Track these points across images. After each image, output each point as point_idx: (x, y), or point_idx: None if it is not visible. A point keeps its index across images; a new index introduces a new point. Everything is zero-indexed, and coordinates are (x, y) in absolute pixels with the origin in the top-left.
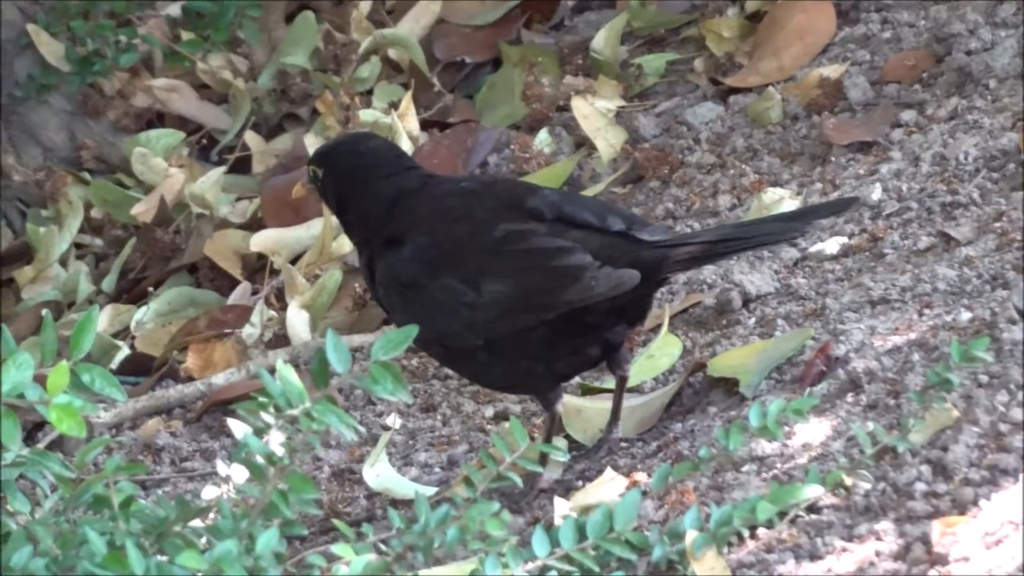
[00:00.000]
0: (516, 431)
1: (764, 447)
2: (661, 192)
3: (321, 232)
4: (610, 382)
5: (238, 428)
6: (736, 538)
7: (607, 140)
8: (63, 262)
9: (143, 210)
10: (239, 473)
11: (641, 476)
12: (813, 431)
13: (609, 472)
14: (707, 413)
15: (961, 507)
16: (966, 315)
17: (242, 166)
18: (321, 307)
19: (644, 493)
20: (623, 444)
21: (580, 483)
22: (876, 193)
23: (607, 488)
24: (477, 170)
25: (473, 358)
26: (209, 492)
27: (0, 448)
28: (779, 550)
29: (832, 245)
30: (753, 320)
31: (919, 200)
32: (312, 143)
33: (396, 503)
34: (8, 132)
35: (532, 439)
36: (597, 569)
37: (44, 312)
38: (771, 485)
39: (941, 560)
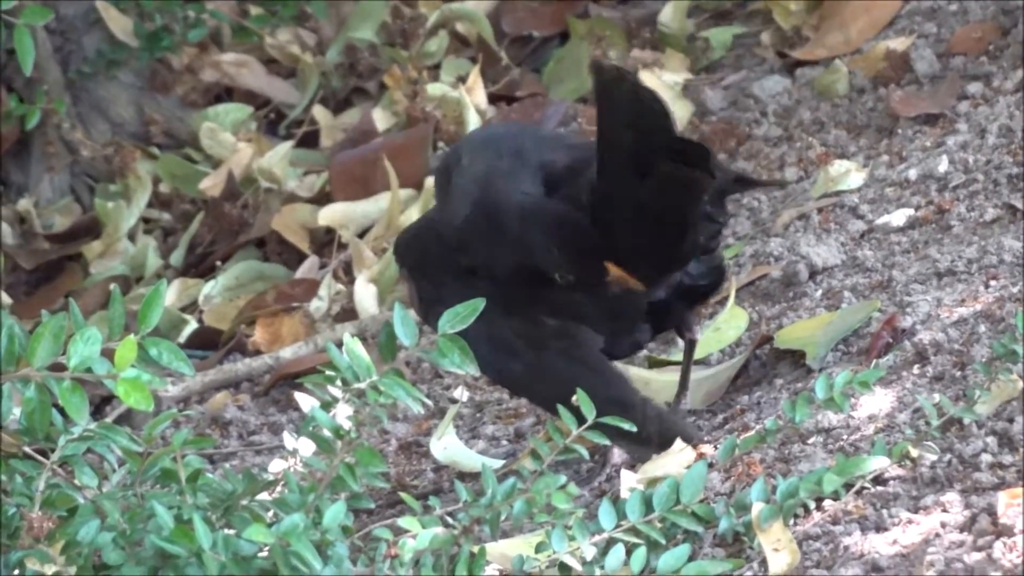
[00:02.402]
0: (583, 403)
1: (830, 419)
2: (728, 165)
3: (389, 206)
4: (676, 355)
5: (305, 402)
6: (802, 510)
7: (674, 113)
8: (131, 237)
9: (211, 184)
10: (306, 446)
11: (707, 448)
12: (879, 403)
13: (676, 444)
14: (774, 385)
15: None
16: None
17: (310, 140)
18: (389, 281)
19: (710, 465)
20: (690, 417)
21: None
22: (943, 165)
23: (674, 460)
24: None
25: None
26: (276, 466)
27: (68, 422)
28: (845, 522)
29: (898, 217)
30: (819, 292)
31: (985, 172)
32: (380, 117)
33: (463, 476)
34: (77, 108)
35: None
36: (664, 541)
37: (112, 286)
38: (837, 457)
39: (1007, 531)
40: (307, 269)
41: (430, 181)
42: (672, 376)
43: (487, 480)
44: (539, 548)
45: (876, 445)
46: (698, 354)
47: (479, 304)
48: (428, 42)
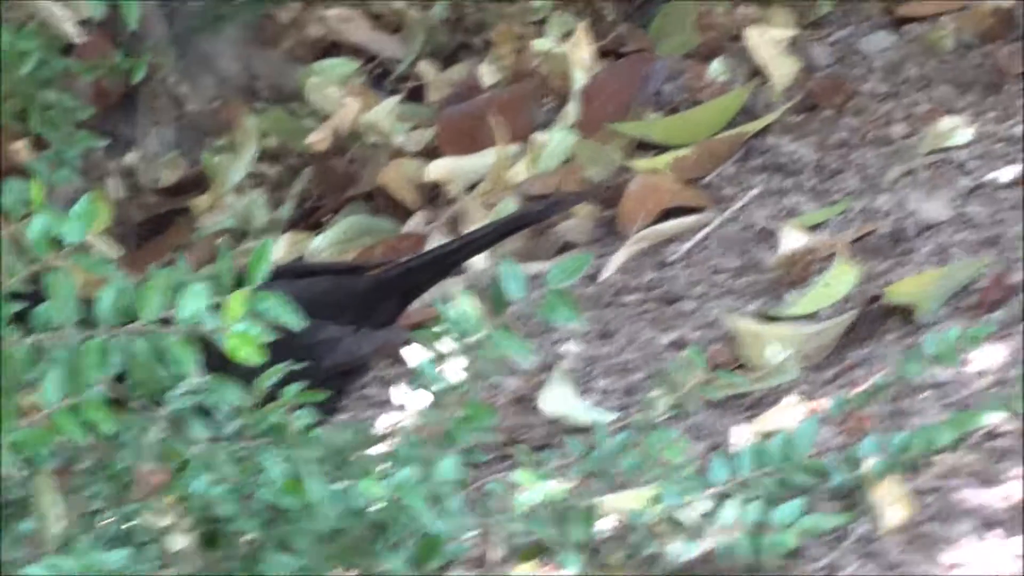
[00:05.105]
0: (695, 358)
1: (942, 374)
2: (835, 121)
3: (496, 161)
4: (791, 308)
5: (414, 356)
6: (915, 464)
7: (780, 69)
8: (239, 191)
9: (318, 139)
10: (416, 401)
11: (819, 403)
12: (990, 358)
13: (788, 398)
14: (883, 341)
15: None
16: None
17: (417, 95)
18: None
19: (822, 420)
20: (801, 370)
21: (758, 410)
22: None
23: (786, 414)
24: (652, 99)
25: None
26: (386, 420)
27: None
28: (958, 476)
29: (1007, 173)
30: (927, 248)
31: None
32: (486, 73)
33: (574, 430)
34: (183, 63)
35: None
36: (778, 495)
37: (220, 241)
38: (949, 411)
39: None
40: (415, 224)
41: (537, 137)
42: (783, 330)
43: (598, 434)
44: (653, 502)
45: (989, 400)
46: (807, 309)
47: (588, 259)
48: None
